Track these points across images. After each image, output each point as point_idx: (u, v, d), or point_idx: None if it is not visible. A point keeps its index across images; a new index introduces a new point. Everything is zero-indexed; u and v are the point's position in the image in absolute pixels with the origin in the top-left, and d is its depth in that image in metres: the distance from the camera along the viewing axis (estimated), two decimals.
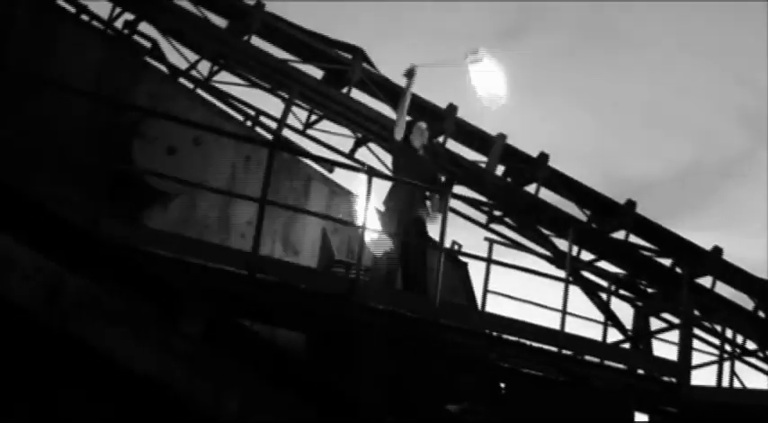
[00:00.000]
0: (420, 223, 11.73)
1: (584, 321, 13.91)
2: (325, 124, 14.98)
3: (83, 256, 7.93)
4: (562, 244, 15.02)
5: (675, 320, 15.08)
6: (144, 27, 13.77)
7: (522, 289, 12.54)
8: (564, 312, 11.37)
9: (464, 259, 14.22)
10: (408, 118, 12.23)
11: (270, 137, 13.88)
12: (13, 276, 7.48)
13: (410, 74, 11.81)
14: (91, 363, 7.74)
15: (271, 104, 14.50)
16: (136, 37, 13.57)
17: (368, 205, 10.61)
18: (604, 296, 15.44)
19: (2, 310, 7.41)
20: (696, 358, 12.84)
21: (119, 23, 13.63)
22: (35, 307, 7.46)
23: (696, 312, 14.40)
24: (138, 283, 8.11)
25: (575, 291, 13.99)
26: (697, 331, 14.86)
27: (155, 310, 8.07)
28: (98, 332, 7.58)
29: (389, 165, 14.64)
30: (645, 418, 12.73)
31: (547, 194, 15.42)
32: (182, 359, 7.82)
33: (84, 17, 13.02)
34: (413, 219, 11.57)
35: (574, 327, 11.72)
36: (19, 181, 8.55)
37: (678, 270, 15.59)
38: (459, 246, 14.24)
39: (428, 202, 11.90)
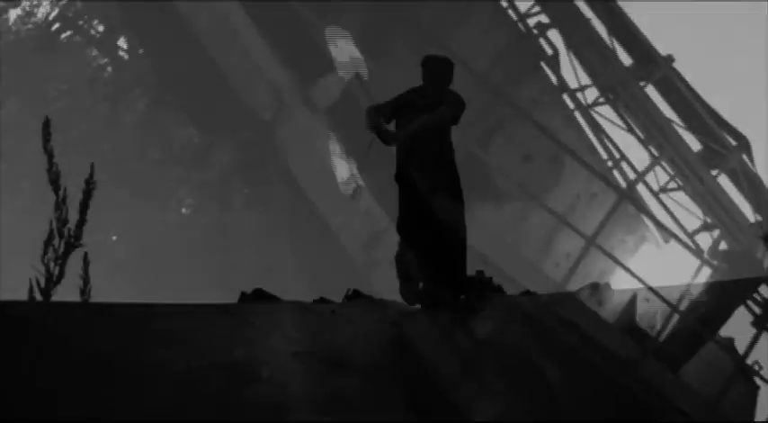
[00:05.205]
0: None
1: None
2: (679, 195, 14.55)
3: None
4: None
5: None
6: (552, 35, 13.80)
7: None
8: None
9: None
10: None
11: (623, 184, 13.63)
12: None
13: None
14: None
15: (636, 154, 14.25)
16: (541, 41, 13.60)
17: (688, 288, 10.23)
18: None
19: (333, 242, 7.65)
20: None
21: (532, 21, 13.72)
22: (354, 249, 7.64)
23: None
24: (436, 264, 8.11)
25: None
26: None
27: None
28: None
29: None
30: None
31: None
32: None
33: (504, 3, 13.17)
34: None
35: None
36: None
37: None
38: (761, 367, 13.48)
39: None
